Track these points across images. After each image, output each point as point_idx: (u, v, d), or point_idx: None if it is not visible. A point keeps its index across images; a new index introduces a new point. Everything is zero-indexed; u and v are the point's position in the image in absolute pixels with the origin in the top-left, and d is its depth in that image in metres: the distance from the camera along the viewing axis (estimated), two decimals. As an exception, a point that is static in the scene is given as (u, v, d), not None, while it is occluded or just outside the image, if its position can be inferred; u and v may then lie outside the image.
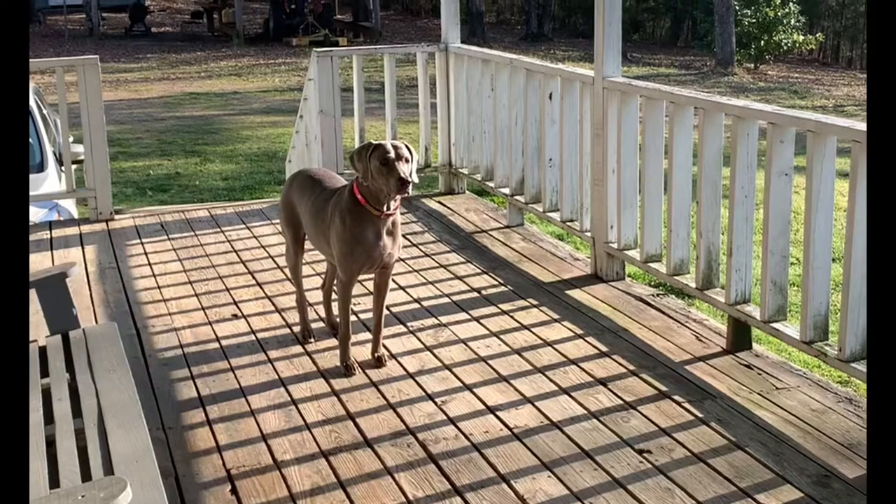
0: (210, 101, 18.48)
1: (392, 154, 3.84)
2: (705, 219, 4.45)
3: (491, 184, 6.50)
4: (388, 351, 4.36)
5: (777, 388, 3.95)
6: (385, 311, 4.32)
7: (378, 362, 4.23)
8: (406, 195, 3.91)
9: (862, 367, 3.66)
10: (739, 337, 4.32)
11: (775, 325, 4.08)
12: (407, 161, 3.87)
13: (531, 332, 4.60)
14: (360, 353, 4.31)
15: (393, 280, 4.60)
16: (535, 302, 4.98)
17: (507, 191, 6.28)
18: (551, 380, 4.09)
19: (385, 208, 3.96)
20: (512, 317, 4.78)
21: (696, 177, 4.50)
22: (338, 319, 4.31)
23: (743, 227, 4.23)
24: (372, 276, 4.27)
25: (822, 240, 3.82)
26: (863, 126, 3.66)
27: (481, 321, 4.73)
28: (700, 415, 3.75)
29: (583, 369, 4.18)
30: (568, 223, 5.63)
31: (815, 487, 3.23)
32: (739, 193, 4.19)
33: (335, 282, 4.32)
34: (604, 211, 5.20)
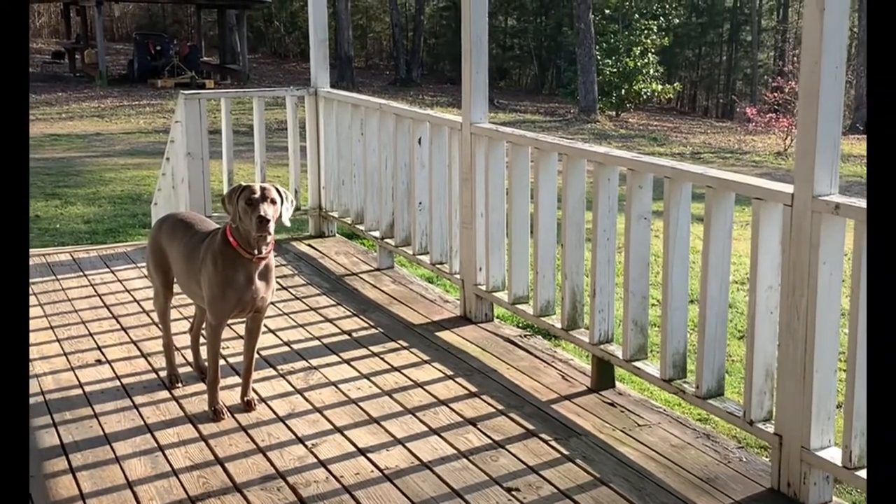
0: (71, 142, 18.01)
1: (258, 195, 3.88)
2: (569, 261, 4.59)
3: (361, 227, 6.54)
4: (258, 395, 4.33)
5: (639, 425, 4.08)
6: (255, 355, 4.30)
7: (247, 406, 4.19)
8: (267, 234, 3.89)
9: (718, 403, 3.82)
10: (603, 376, 4.45)
11: (637, 363, 4.22)
12: (273, 202, 3.90)
13: (401, 373, 4.63)
14: (230, 397, 4.27)
15: (263, 324, 4.57)
16: (405, 344, 5.02)
17: (377, 234, 6.33)
18: (422, 420, 4.12)
19: (256, 252, 3.96)
20: (382, 359, 4.81)
21: (561, 220, 4.63)
22: (206, 363, 4.26)
23: (605, 268, 4.38)
24: (242, 319, 4.24)
25: (678, 281, 3.98)
26: (714, 172, 3.85)
27: (352, 363, 4.74)
28: (566, 452, 3.84)
29: (453, 409, 4.24)
30: (438, 266, 5.71)
31: (676, 520, 3.35)
32: (602, 236, 4.34)
33: (204, 325, 4.28)
34: (472, 253, 5.30)
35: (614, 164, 4.32)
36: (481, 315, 5.37)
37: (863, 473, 3.23)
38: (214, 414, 4.11)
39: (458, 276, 5.49)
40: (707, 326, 3.81)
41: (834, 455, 3.33)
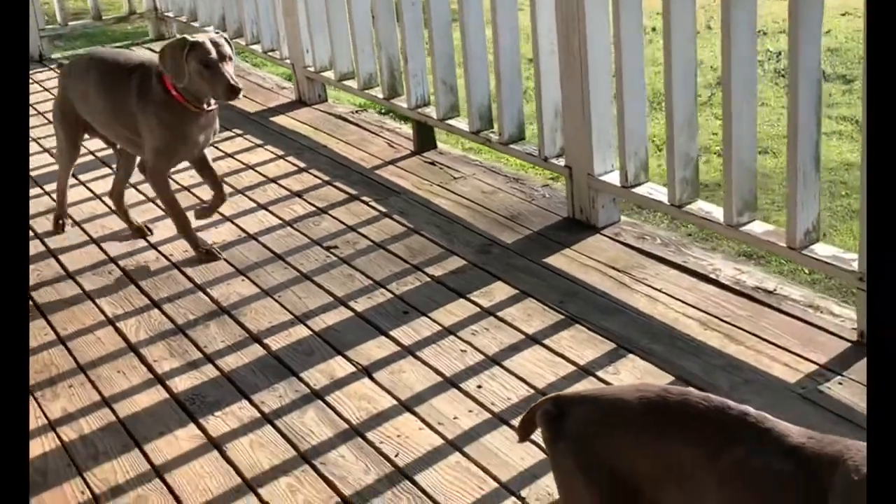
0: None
1: (214, 55, 3.45)
2: (382, 31, 4.69)
3: (196, 24, 6.50)
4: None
5: (455, 178, 4.32)
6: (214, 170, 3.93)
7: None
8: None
9: (519, 146, 4.06)
10: (424, 138, 4.66)
11: (450, 121, 4.41)
12: (230, 59, 3.51)
13: (234, 158, 4.78)
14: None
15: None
16: (239, 131, 5.14)
17: (211, 29, 6.29)
18: (250, 198, 4.31)
19: (205, 105, 3.61)
20: (217, 147, 4.91)
21: (372, -8, 4.70)
22: (138, 220, 4.06)
23: (414, 34, 4.49)
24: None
25: (475, 33, 4.11)
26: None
27: (185, 155, 4.85)
28: (384, 210, 4.08)
29: (281, 185, 4.42)
30: (269, 53, 5.76)
31: (478, 255, 3.63)
32: (406, 1, 4.43)
33: (146, 174, 3.86)
34: (298, 36, 5.35)
35: (411, -74, 4.36)
36: (315, 97, 5.49)
37: (638, 190, 3.53)
38: (206, 255, 3.79)
39: (288, 61, 5.56)
40: (503, 76, 3.99)
41: (614, 178, 3.62)
